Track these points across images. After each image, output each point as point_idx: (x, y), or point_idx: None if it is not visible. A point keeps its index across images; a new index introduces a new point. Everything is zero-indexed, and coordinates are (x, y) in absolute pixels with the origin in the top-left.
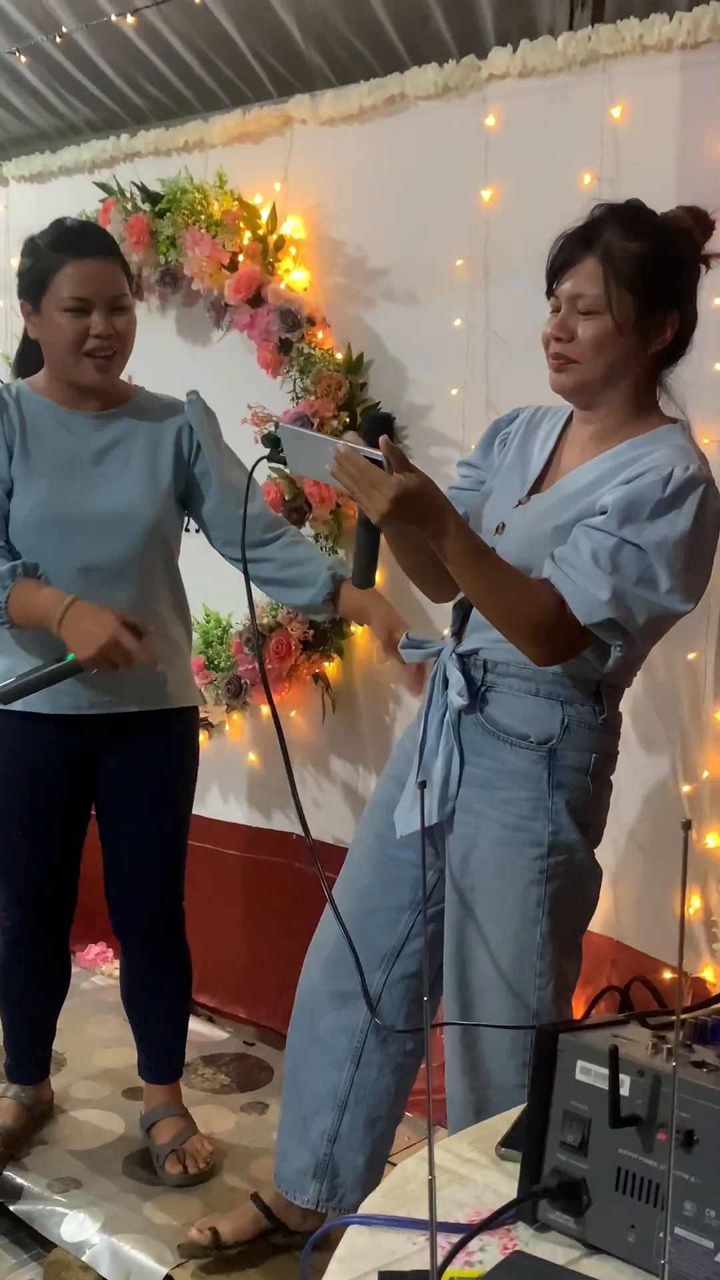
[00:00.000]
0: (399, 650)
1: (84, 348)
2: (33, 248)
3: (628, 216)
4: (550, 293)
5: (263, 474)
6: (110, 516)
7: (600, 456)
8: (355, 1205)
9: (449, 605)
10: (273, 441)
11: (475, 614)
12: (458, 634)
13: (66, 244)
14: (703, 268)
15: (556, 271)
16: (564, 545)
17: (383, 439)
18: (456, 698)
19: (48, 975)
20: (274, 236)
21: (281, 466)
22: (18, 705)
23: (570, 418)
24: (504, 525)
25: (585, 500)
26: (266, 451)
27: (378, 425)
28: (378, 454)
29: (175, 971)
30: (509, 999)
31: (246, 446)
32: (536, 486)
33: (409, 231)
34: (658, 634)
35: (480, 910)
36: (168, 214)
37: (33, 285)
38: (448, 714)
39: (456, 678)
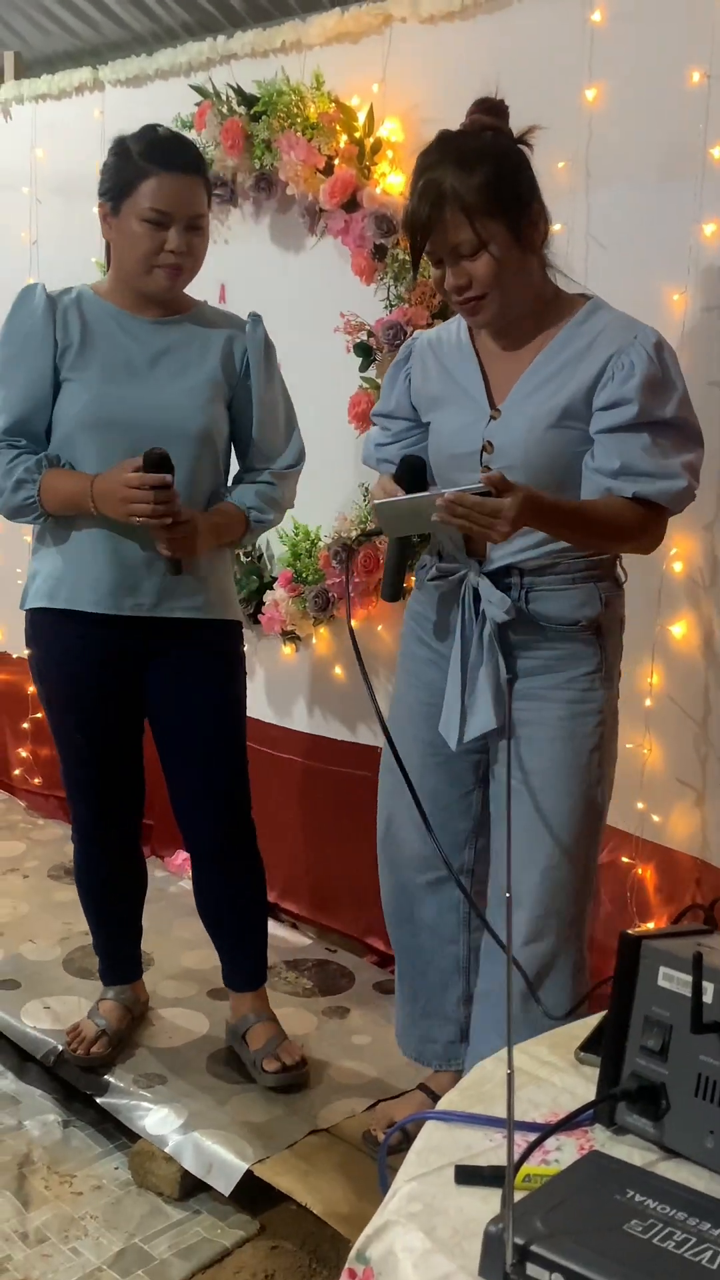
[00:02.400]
0: (426, 582)
1: (156, 260)
2: (122, 149)
3: (453, 154)
4: (417, 258)
5: (354, 384)
6: (158, 418)
7: (547, 351)
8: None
9: None
10: (364, 350)
11: None
12: (478, 557)
13: (157, 154)
14: (526, 149)
15: (421, 237)
16: (608, 459)
17: (483, 474)
18: (500, 613)
19: (123, 872)
20: (371, 139)
21: (372, 378)
22: (59, 602)
23: (467, 333)
24: (490, 444)
25: (565, 394)
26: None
27: (415, 468)
28: (482, 487)
29: (248, 883)
30: (580, 862)
31: (338, 356)
32: (492, 402)
33: (511, 130)
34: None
35: (556, 789)
36: (263, 117)
37: (115, 188)
38: (486, 628)
39: (495, 594)
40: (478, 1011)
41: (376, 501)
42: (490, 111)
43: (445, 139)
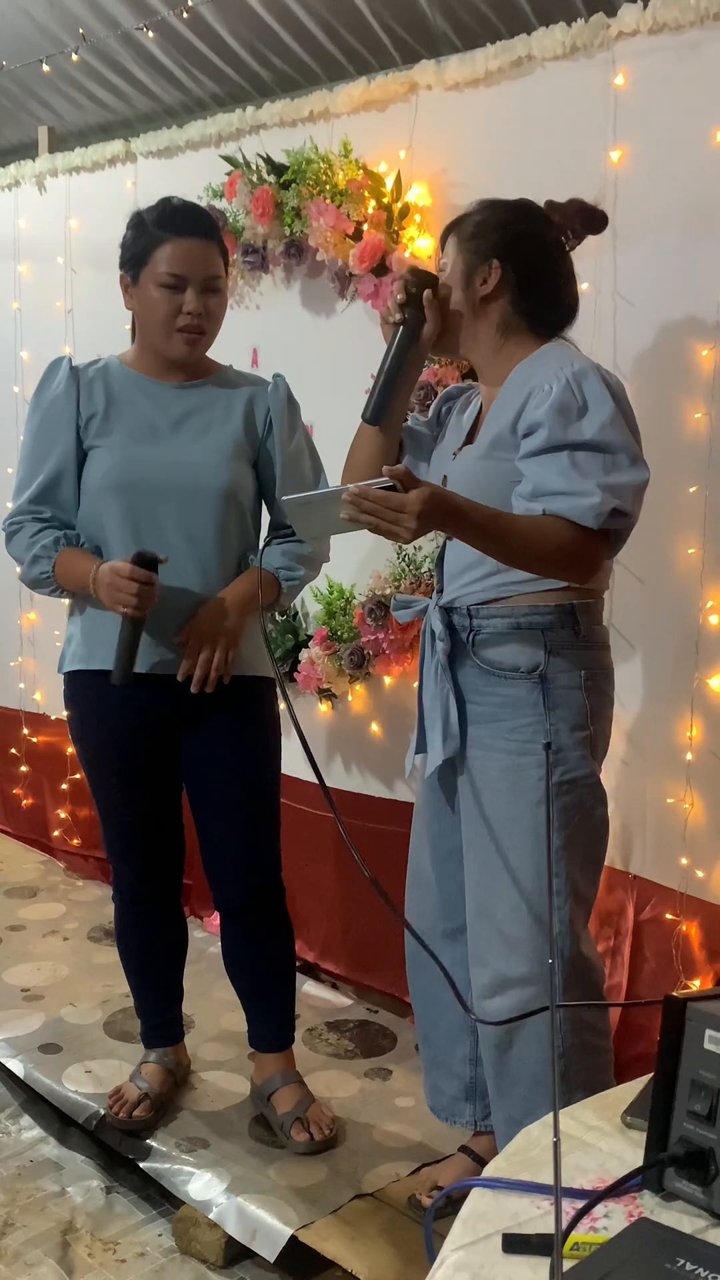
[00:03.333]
0: (394, 613)
1: (175, 323)
2: (138, 222)
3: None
4: None
5: None
6: (182, 478)
7: (500, 395)
8: None
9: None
10: None
11: (450, 566)
12: (441, 590)
13: (169, 222)
14: (567, 237)
15: None
16: (525, 483)
17: (386, 467)
18: (441, 645)
19: (164, 934)
20: (399, 204)
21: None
22: (94, 663)
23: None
24: (446, 478)
25: (498, 428)
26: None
27: (423, 277)
28: (388, 481)
29: (275, 943)
30: (532, 922)
31: None
32: (469, 440)
33: (535, 195)
34: (641, 504)
35: (497, 839)
36: (293, 185)
37: (133, 258)
38: (439, 661)
39: (440, 628)
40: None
41: (288, 498)
42: (549, 206)
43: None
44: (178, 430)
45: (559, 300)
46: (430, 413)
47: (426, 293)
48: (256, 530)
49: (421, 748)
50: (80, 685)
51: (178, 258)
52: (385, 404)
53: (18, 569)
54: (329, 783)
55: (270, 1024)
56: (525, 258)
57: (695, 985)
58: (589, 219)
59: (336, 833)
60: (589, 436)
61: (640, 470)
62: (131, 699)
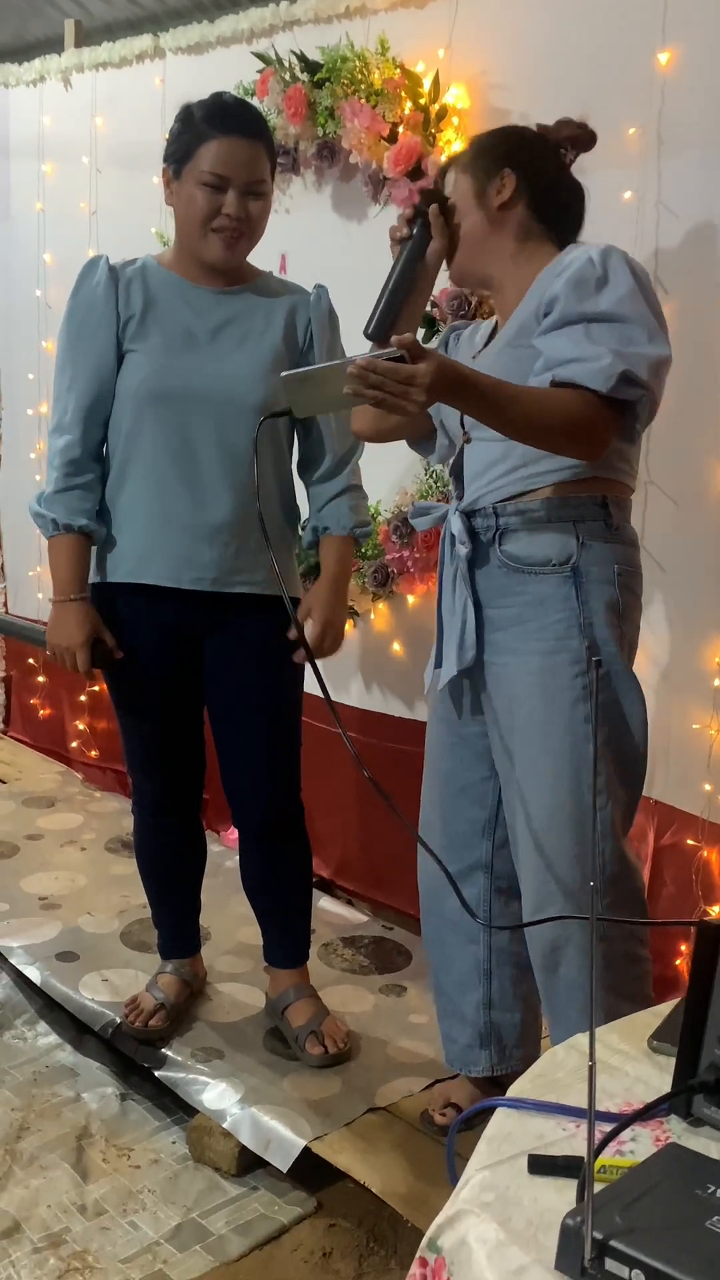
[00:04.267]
0: (412, 520)
1: (213, 224)
2: (186, 115)
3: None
4: None
5: None
6: (219, 389)
7: (523, 300)
8: (521, 1060)
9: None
10: (428, 321)
11: (469, 469)
12: (460, 496)
13: (218, 119)
14: (564, 150)
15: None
16: (540, 358)
17: (394, 336)
18: (461, 548)
19: (184, 848)
20: (436, 106)
21: (433, 345)
22: (119, 575)
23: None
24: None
25: (523, 317)
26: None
27: (431, 194)
28: (396, 351)
29: (293, 862)
30: (574, 826)
31: None
32: (485, 346)
33: (579, 98)
34: (661, 384)
35: (534, 746)
36: (327, 84)
37: (177, 152)
38: (458, 567)
39: (460, 530)
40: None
41: (284, 374)
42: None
43: None
44: (215, 339)
45: (572, 203)
46: (438, 344)
47: (433, 208)
48: (290, 446)
49: (439, 662)
50: (104, 598)
51: (222, 157)
52: (389, 321)
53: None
54: (351, 703)
55: (286, 941)
56: (534, 163)
57: (714, 911)
58: (577, 139)
59: (363, 756)
60: (605, 308)
61: (659, 345)
62: (157, 611)
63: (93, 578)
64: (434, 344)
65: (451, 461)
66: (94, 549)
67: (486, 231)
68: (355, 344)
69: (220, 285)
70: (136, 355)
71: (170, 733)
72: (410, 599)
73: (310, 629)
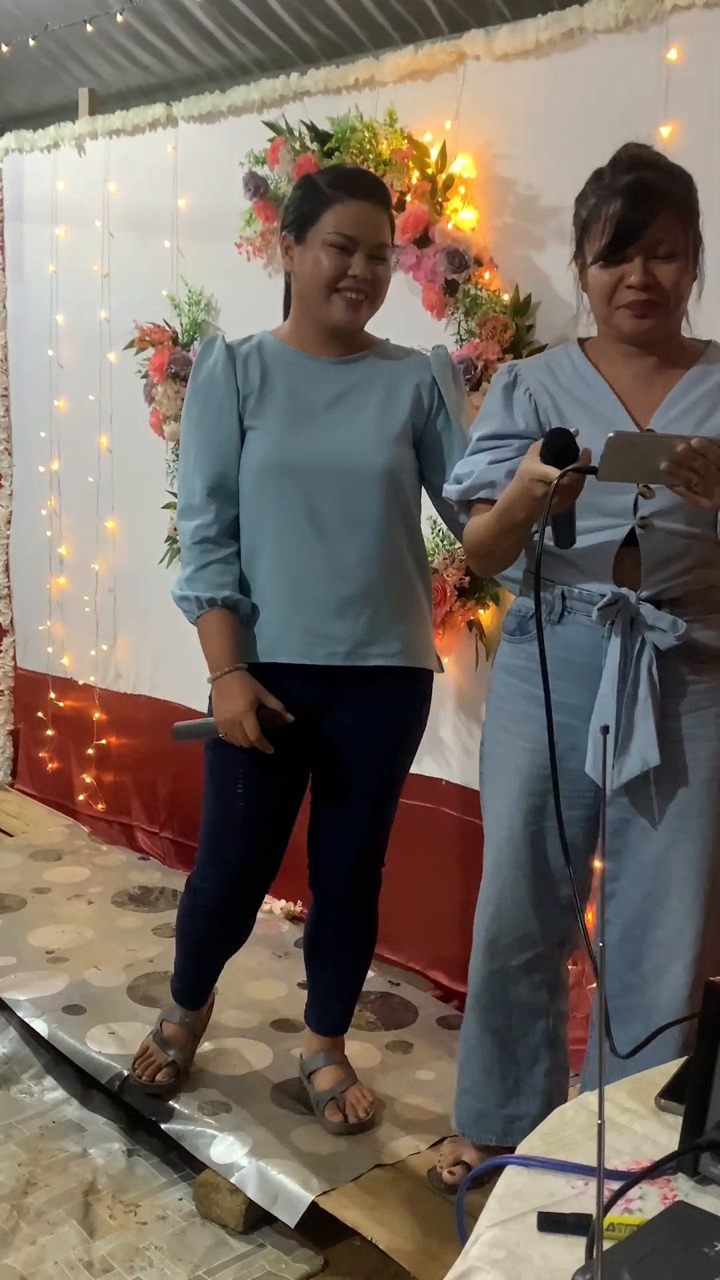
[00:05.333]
0: (555, 625)
1: (339, 285)
2: (309, 183)
3: (663, 163)
4: (620, 251)
5: None
6: (340, 462)
7: (684, 382)
8: None
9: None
10: None
11: (649, 559)
12: (627, 584)
13: (344, 183)
14: None
15: (638, 229)
16: None
17: None
18: (669, 637)
19: (236, 933)
20: (443, 175)
21: None
22: (252, 658)
23: (584, 357)
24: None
25: (716, 420)
26: None
27: (560, 438)
28: None
29: (363, 932)
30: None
31: None
32: (636, 423)
33: (583, 170)
34: None
35: (705, 831)
36: (336, 153)
37: (300, 218)
38: (647, 657)
39: (664, 618)
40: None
41: (617, 432)
42: (646, 147)
43: (641, 152)
44: (334, 409)
45: None
46: (517, 415)
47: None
48: (418, 510)
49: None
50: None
51: (350, 219)
52: (573, 531)
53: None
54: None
55: (334, 1011)
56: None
57: None
58: None
59: None
60: None
61: None
62: (295, 691)
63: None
64: (499, 382)
65: (598, 546)
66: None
67: (686, 297)
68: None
69: (338, 354)
70: (257, 432)
71: (267, 815)
72: (446, 659)
73: None
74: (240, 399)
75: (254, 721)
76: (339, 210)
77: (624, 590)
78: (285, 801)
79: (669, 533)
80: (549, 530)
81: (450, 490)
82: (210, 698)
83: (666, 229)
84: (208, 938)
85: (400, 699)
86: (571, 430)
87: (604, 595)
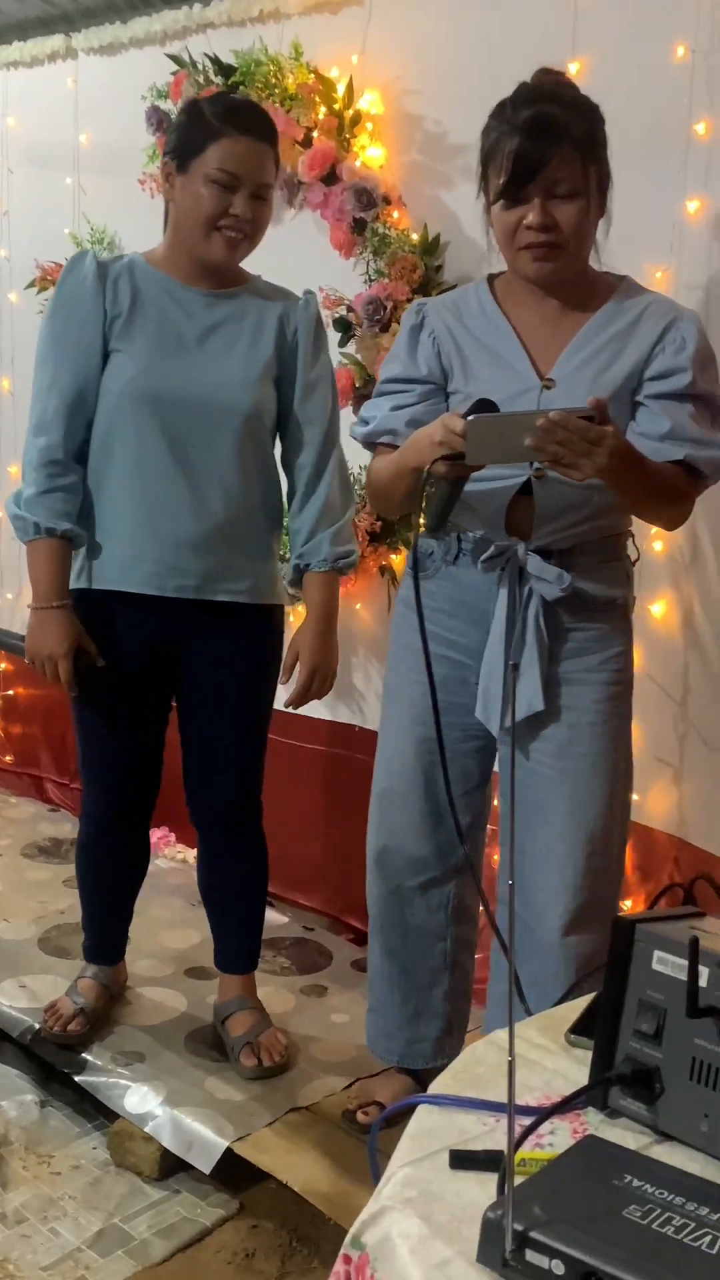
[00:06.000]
0: (448, 567)
1: (219, 223)
2: (195, 109)
3: (565, 95)
4: (519, 189)
5: (334, 360)
6: (205, 397)
7: (592, 323)
8: None
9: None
10: (343, 326)
11: (545, 510)
12: (519, 533)
13: (233, 117)
14: None
15: (534, 168)
16: (655, 424)
17: (591, 398)
18: (555, 588)
19: (129, 860)
20: (350, 111)
21: (352, 353)
22: (103, 583)
23: (492, 299)
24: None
25: (622, 365)
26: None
27: (486, 405)
28: (587, 410)
29: (252, 862)
30: (613, 850)
31: None
32: (539, 372)
33: (491, 106)
34: None
35: (591, 772)
36: (241, 88)
37: (184, 146)
38: (534, 607)
39: (549, 570)
40: (500, 1009)
41: (474, 417)
42: (559, 74)
43: (544, 83)
44: (204, 342)
45: None
46: (420, 360)
47: (592, 398)
48: (273, 449)
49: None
50: (83, 605)
51: (236, 155)
52: (446, 517)
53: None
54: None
55: (235, 946)
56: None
57: (627, 905)
58: None
59: (277, 754)
60: (712, 390)
61: None
62: (140, 619)
63: (74, 583)
64: (406, 322)
65: (493, 495)
66: (81, 556)
67: (591, 236)
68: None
69: (211, 286)
70: (122, 355)
71: (135, 746)
72: (358, 606)
73: (298, 675)
74: (107, 319)
75: (69, 665)
76: (225, 145)
77: (512, 541)
78: (150, 726)
79: (566, 484)
80: (434, 505)
81: (356, 431)
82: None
83: (565, 167)
84: (102, 867)
85: (252, 633)
86: (492, 399)
87: (491, 545)
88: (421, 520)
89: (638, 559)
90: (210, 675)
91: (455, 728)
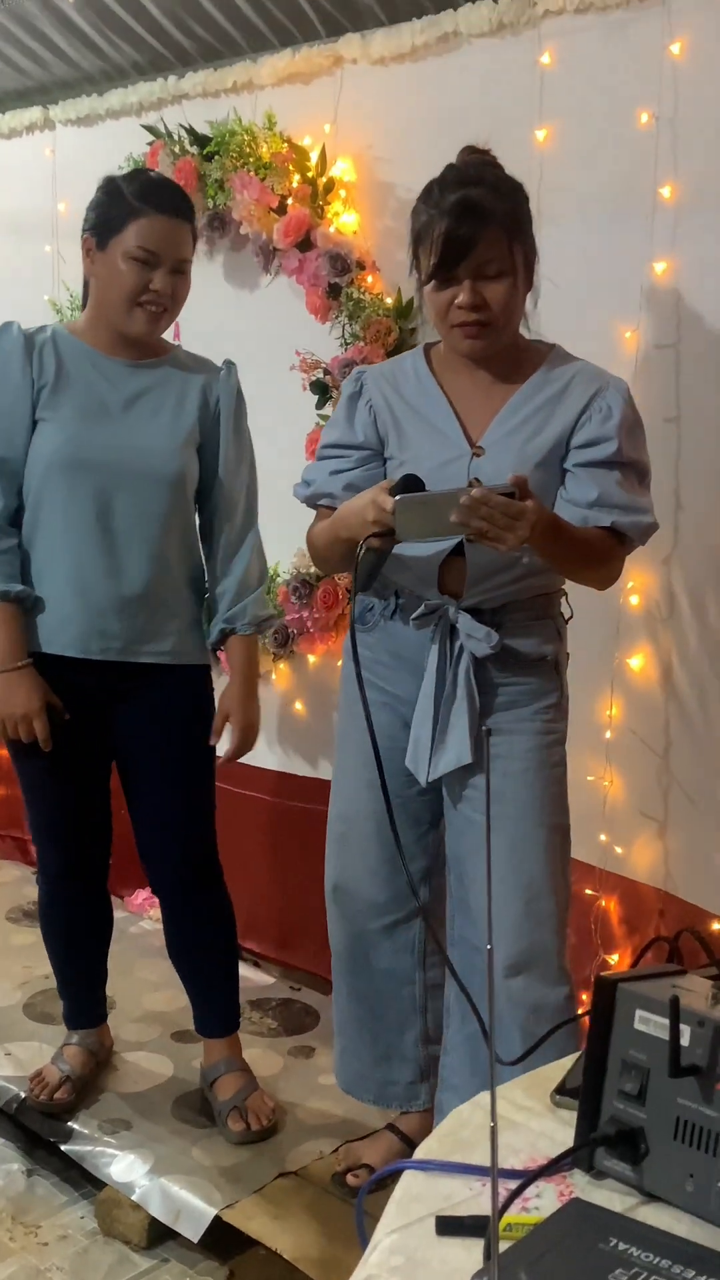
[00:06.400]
0: (385, 621)
1: (140, 299)
2: (113, 188)
3: (487, 178)
4: (449, 271)
5: (311, 422)
6: (132, 462)
7: (522, 391)
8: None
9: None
10: (320, 388)
11: (476, 570)
12: (451, 595)
13: (151, 195)
14: None
15: (462, 250)
16: (584, 491)
17: (513, 475)
18: (484, 646)
19: (90, 916)
20: (323, 179)
21: (329, 414)
22: (31, 646)
23: (427, 368)
24: (478, 480)
25: (548, 433)
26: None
27: (412, 481)
28: (508, 487)
29: (217, 922)
30: (552, 895)
31: (295, 394)
32: (469, 437)
33: None
34: None
35: (525, 818)
36: (216, 157)
37: (104, 223)
38: (465, 663)
39: (479, 628)
40: (458, 1056)
41: (401, 497)
42: (484, 153)
43: (469, 165)
44: (129, 410)
45: None
46: (358, 426)
47: (513, 475)
48: (194, 513)
49: (430, 746)
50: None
51: (154, 234)
52: (376, 576)
53: None
54: (252, 761)
55: (214, 1008)
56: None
57: (614, 960)
58: None
59: (261, 810)
60: (637, 457)
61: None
62: (62, 680)
63: None
64: (346, 390)
65: (427, 557)
66: None
67: (520, 310)
68: (248, 408)
69: (133, 357)
70: (49, 424)
71: (76, 801)
72: (311, 658)
73: (230, 734)
74: (34, 389)
75: (44, 722)
76: (143, 224)
77: (443, 599)
78: (90, 778)
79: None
80: (362, 568)
81: (298, 491)
82: None
83: (493, 247)
84: (68, 924)
85: (179, 693)
86: (419, 476)
87: (436, 604)
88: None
89: (570, 617)
90: (142, 734)
91: (401, 773)
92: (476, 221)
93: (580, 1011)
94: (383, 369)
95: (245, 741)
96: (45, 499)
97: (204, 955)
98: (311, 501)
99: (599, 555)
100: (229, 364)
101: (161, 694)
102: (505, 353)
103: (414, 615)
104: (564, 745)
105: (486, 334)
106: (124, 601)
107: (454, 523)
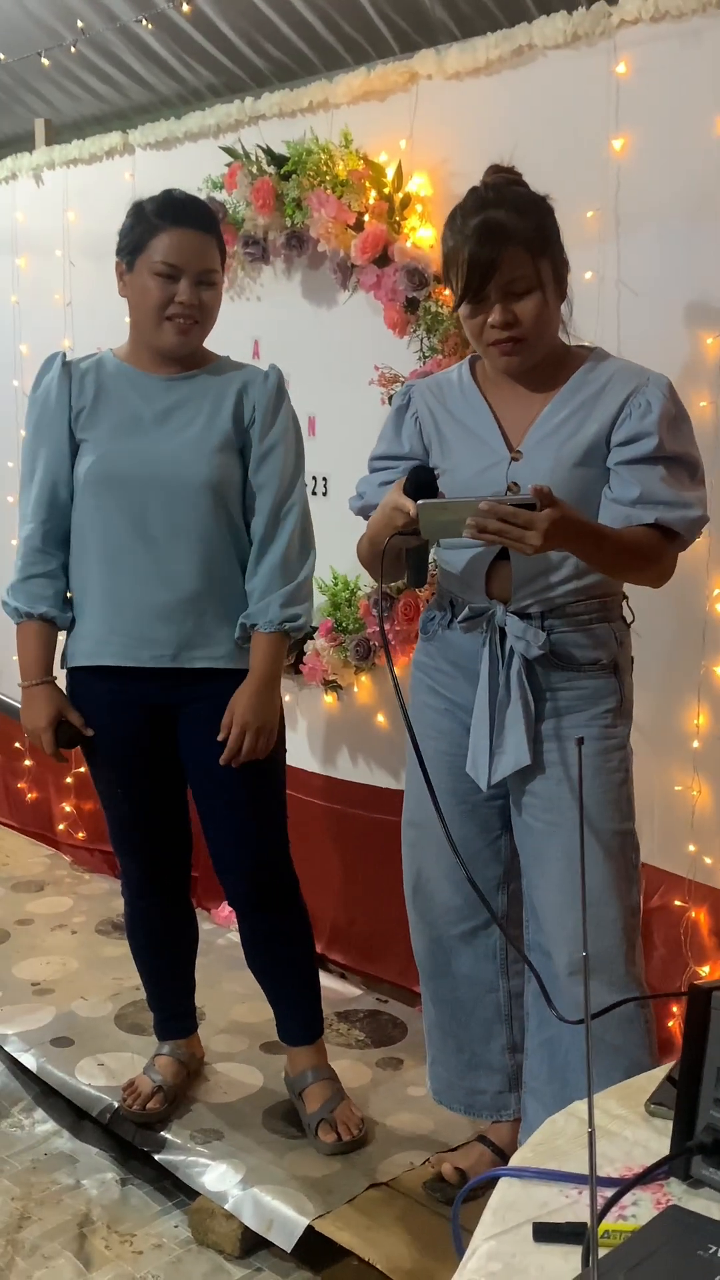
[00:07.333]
0: (442, 630)
1: (166, 312)
2: (137, 210)
3: (507, 198)
4: (478, 295)
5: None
6: (162, 471)
7: (560, 395)
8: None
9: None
10: None
11: (518, 574)
12: (501, 598)
13: (169, 212)
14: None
15: (487, 273)
16: (627, 489)
17: (532, 485)
18: (534, 649)
19: (172, 927)
20: (400, 194)
21: None
22: (79, 660)
23: (471, 379)
24: (516, 485)
25: (586, 434)
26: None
27: (420, 474)
28: (528, 498)
29: (292, 934)
30: (617, 901)
31: (373, 408)
32: (509, 445)
33: (538, 184)
34: None
35: (584, 824)
36: (293, 176)
37: (130, 246)
38: (515, 666)
39: (528, 630)
40: (537, 1060)
41: (423, 501)
42: (508, 172)
43: (489, 187)
44: (162, 423)
45: None
46: (404, 438)
47: (534, 485)
48: (246, 522)
49: (488, 751)
50: (76, 681)
51: (174, 248)
52: (425, 569)
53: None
54: (336, 774)
55: (295, 1017)
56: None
57: (705, 972)
58: None
59: (342, 822)
60: (682, 450)
61: (704, 484)
62: (123, 692)
63: (67, 663)
64: (395, 404)
65: (470, 563)
66: (69, 636)
67: (555, 320)
68: (323, 421)
69: (172, 372)
70: (87, 444)
71: (150, 811)
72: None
73: (233, 732)
74: (72, 413)
75: (51, 737)
76: (164, 239)
77: (490, 603)
78: (163, 789)
79: None
80: (410, 565)
81: (351, 504)
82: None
83: (518, 266)
84: (151, 941)
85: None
86: (431, 467)
87: (482, 608)
88: (403, 581)
89: (633, 621)
90: (203, 743)
91: (468, 778)
92: (498, 243)
93: (643, 999)
94: (430, 382)
95: (244, 743)
96: (86, 517)
97: (282, 965)
98: (364, 513)
99: (646, 554)
100: (273, 368)
101: (222, 701)
102: (545, 361)
103: (459, 619)
104: (626, 749)
105: (521, 349)
106: (168, 608)
107: (469, 528)
